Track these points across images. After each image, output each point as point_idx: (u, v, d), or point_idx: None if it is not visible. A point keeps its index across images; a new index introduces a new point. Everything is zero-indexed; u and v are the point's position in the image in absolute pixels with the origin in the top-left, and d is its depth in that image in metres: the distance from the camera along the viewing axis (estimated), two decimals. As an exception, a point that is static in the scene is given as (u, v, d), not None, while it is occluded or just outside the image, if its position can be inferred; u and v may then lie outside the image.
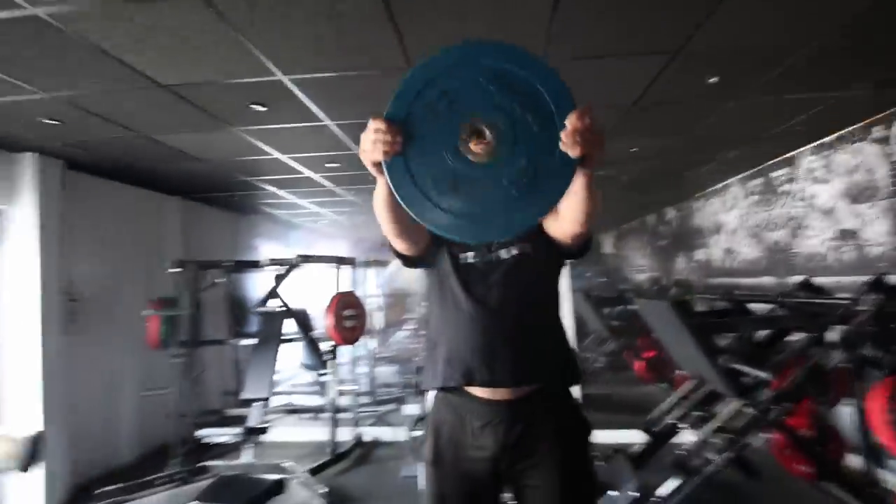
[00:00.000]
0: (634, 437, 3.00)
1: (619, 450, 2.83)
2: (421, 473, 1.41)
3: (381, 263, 5.31)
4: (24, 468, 2.10)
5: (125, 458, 3.87)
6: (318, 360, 3.76)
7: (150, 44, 1.91)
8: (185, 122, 2.75)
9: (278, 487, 2.41)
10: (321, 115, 2.65)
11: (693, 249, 5.95)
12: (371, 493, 3.22)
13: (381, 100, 1.02)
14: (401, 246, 1.29)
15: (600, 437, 3.93)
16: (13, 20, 1.71)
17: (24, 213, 3.16)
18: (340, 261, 4.06)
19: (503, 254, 1.35)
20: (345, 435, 4.05)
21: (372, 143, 0.98)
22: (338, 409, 3.80)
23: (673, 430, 2.83)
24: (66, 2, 1.62)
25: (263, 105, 2.50)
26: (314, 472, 3.33)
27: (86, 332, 3.56)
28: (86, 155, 3.28)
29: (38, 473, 2.98)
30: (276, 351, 3.89)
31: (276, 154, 3.40)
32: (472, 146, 0.98)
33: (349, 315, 3.74)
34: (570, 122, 0.94)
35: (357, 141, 3.08)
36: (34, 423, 3.01)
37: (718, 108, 2.86)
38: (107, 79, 2.18)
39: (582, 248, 1.31)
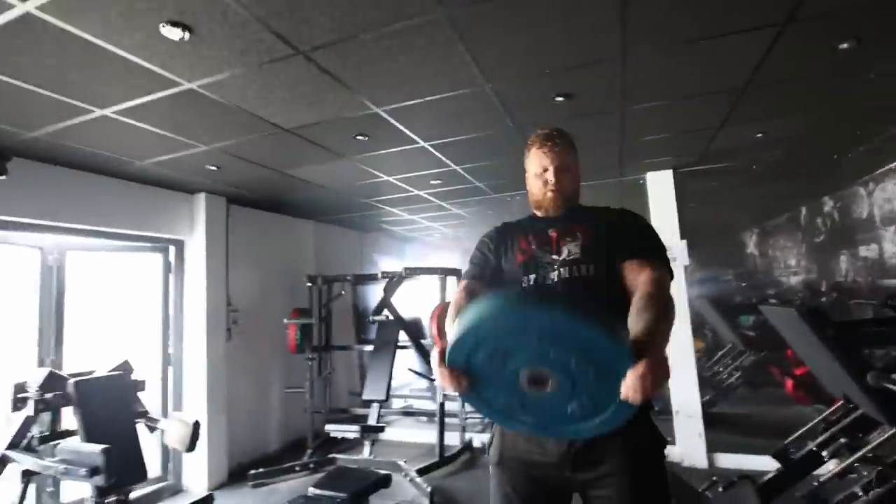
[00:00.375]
0: (767, 464, 2.66)
1: (746, 476, 2.53)
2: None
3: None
4: (191, 449, 2.63)
5: (272, 447, 4.50)
6: (427, 366, 3.98)
7: (272, 98, 2.30)
8: (308, 157, 3.19)
9: (385, 482, 2.61)
10: (415, 137, 2.88)
11: (859, 245, 5.03)
12: (472, 497, 3.32)
13: (466, 117, 1.14)
14: None
15: (722, 460, 3.57)
16: (177, 95, 2.19)
17: (197, 241, 3.93)
18: (444, 272, 4.26)
19: (553, 275, 1.36)
20: (454, 439, 4.21)
21: (444, 381, 1.12)
22: (444, 415, 3.97)
23: (813, 459, 2.45)
24: (211, 74, 2.05)
25: (366, 135, 2.80)
26: (422, 471, 3.54)
27: (241, 338, 4.25)
28: (240, 191, 3.96)
29: (201, 457, 3.66)
30: (392, 356, 4.22)
31: (384, 176, 3.73)
32: (533, 390, 1.08)
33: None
34: (630, 380, 0.99)
35: (451, 158, 3.30)
36: (200, 411, 3.70)
37: (861, 76, 2.45)
38: (246, 130, 2.66)
39: None
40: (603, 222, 1.42)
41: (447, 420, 4.07)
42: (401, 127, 2.70)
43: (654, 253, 1.33)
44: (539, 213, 1.50)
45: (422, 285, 5.08)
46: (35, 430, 2.45)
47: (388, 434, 4.23)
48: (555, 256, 1.39)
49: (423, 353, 4.09)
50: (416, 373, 4.49)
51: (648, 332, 1.08)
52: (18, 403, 2.43)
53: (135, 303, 3.82)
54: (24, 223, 2.98)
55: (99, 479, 2.21)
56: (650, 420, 1.33)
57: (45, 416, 2.47)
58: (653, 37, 1.97)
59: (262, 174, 3.50)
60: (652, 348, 1.03)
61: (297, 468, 3.90)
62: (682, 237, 3.91)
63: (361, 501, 2.50)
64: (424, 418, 4.91)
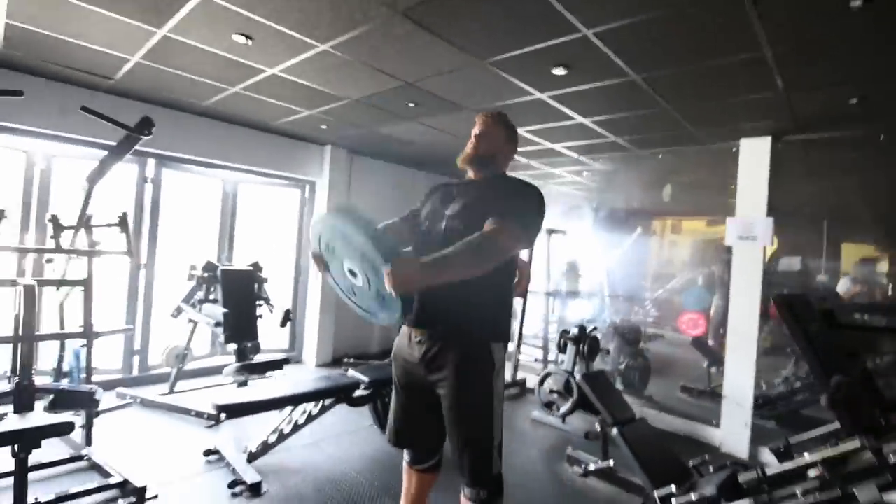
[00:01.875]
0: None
1: (738, 464, 2.44)
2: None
3: (559, 233, 5.44)
4: (282, 325, 3.73)
5: (372, 348, 5.59)
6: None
7: (386, 55, 2.94)
8: (430, 110, 3.68)
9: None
10: (531, 89, 2.99)
11: None
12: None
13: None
14: None
15: (767, 456, 3.24)
16: (313, 56, 2.99)
17: (324, 183, 5.01)
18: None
19: (442, 225, 1.69)
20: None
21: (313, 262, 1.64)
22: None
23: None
24: (338, 35, 2.76)
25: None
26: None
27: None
28: (363, 145, 4.83)
29: (313, 342, 4.88)
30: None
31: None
32: (352, 280, 1.49)
33: (510, 274, 4.24)
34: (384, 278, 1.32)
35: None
36: (314, 309, 4.90)
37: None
38: (373, 83, 3.38)
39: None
40: (492, 188, 1.68)
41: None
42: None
43: (507, 214, 1.54)
44: (468, 176, 1.84)
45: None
46: (199, 295, 3.79)
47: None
48: (446, 212, 1.72)
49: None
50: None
51: (430, 257, 1.37)
52: (190, 277, 3.80)
53: (283, 224, 5.14)
54: (211, 163, 4.35)
55: (219, 330, 3.41)
56: (487, 344, 1.62)
57: (203, 287, 3.78)
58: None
59: (364, 129, 4.27)
60: (411, 261, 1.31)
61: (375, 362, 4.87)
62: (770, 214, 3.43)
63: (379, 388, 3.22)
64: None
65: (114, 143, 2.88)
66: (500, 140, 1.75)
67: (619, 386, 4.58)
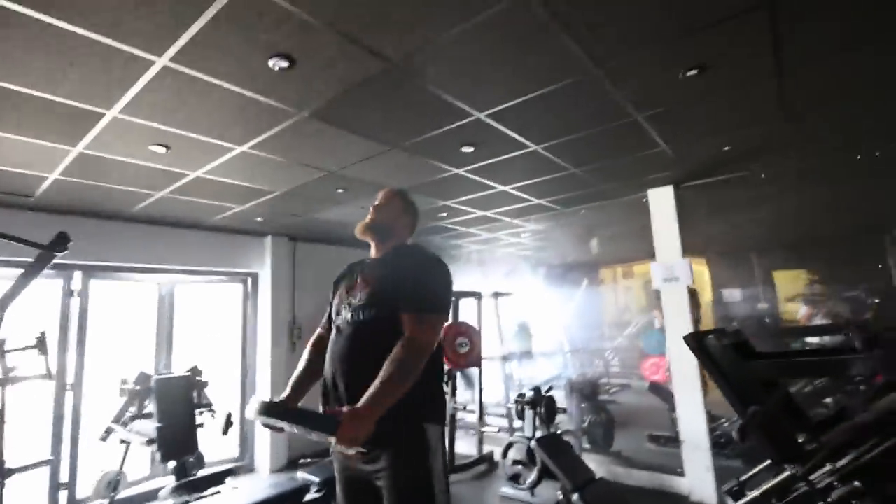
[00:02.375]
0: None
1: None
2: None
3: (505, 295, 5.55)
4: (224, 433, 3.50)
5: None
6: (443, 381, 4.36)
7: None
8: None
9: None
10: (524, 140, 2.70)
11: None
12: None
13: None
14: None
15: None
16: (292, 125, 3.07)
17: (266, 274, 4.97)
18: (459, 295, 4.60)
19: (348, 318, 1.69)
20: (472, 449, 4.46)
21: None
22: (455, 424, 4.28)
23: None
24: (317, 100, 2.85)
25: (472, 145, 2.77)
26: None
27: (302, 348, 5.15)
28: (300, 232, 4.90)
29: (266, 446, 4.57)
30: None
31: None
32: None
33: (461, 343, 4.23)
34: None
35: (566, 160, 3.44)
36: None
37: None
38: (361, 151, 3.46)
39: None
40: (396, 266, 1.70)
41: (458, 429, 4.35)
42: (507, 132, 2.61)
43: (420, 306, 1.57)
44: (371, 252, 1.87)
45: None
46: (132, 410, 3.53)
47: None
48: (352, 300, 1.71)
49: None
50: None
51: (366, 399, 1.43)
52: (122, 392, 3.55)
53: (225, 322, 4.98)
54: (144, 267, 4.25)
55: (154, 447, 3.14)
56: (421, 427, 1.57)
57: (136, 401, 3.53)
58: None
59: (299, 216, 4.35)
60: (351, 421, 1.39)
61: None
62: (689, 254, 3.67)
63: (334, 487, 3.01)
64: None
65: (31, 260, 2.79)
66: (397, 210, 1.83)
67: (585, 444, 4.49)
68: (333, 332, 1.74)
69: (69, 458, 3.72)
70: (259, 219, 4.25)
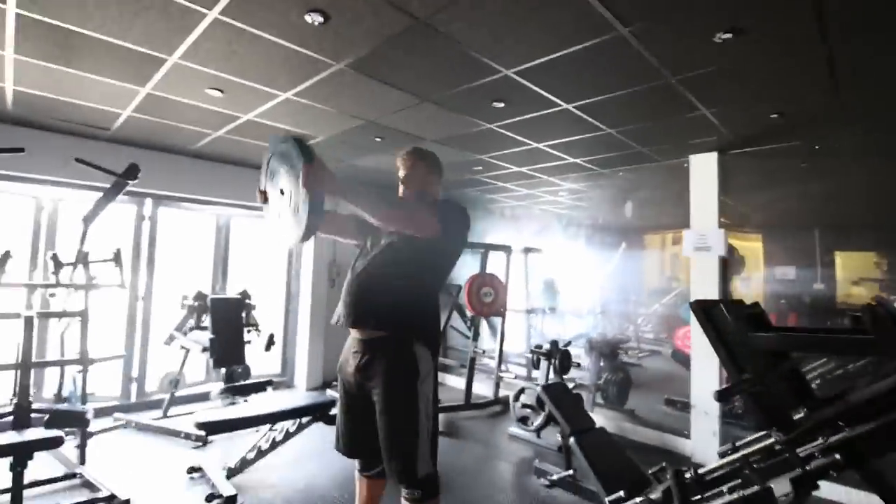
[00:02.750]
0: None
1: (680, 471, 2.58)
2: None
3: (536, 251, 5.63)
4: (266, 349, 3.98)
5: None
6: (465, 325, 4.64)
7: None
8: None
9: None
10: (556, 99, 2.77)
11: None
12: (478, 436, 3.94)
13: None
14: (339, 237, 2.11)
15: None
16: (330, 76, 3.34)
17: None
18: (487, 247, 4.76)
19: (382, 241, 1.96)
20: (488, 390, 4.79)
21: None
22: (473, 366, 4.59)
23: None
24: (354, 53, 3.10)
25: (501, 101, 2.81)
26: (444, 409, 4.27)
27: (340, 287, 5.58)
28: (342, 176, 5.17)
29: (303, 366, 5.11)
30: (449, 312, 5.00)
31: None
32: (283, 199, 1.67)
33: (486, 292, 4.45)
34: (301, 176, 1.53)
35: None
36: (304, 334, 5.15)
37: None
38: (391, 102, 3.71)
39: (419, 235, 1.76)
40: None
41: (480, 373, 4.66)
42: (536, 89, 2.65)
43: (432, 207, 1.82)
44: None
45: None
46: (191, 323, 4.07)
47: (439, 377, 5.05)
48: (379, 241, 1.95)
49: (462, 314, 4.74)
50: (455, 329, 5.14)
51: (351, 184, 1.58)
52: (182, 306, 4.09)
53: (274, 255, 5.45)
54: (204, 200, 4.70)
55: (207, 354, 3.66)
56: (411, 348, 1.79)
57: (194, 315, 4.06)
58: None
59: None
60: (327, 168, 1.49)
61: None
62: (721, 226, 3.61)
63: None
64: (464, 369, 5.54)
65: (108, 186, 3.22)
66: (423, 173, 2.00)
67: (598, 400, 4.69)
68: (361, 252, 1.96)
69: (139, 358, 4.39)
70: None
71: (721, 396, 1.90)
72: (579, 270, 6.46)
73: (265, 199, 1.75)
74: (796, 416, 2.12)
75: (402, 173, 2.00)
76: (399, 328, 1.81)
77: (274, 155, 1.66)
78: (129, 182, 3.06)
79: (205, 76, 2.63)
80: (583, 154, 3.95)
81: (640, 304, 8.46)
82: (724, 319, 2.25)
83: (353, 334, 1.91)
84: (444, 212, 1.82)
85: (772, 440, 2.05)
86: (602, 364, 4.95)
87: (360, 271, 1.89)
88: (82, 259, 3.28)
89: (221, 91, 2.84)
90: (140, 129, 3.67)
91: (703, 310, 2.26)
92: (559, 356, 4.05)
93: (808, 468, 1.91)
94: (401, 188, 1.99)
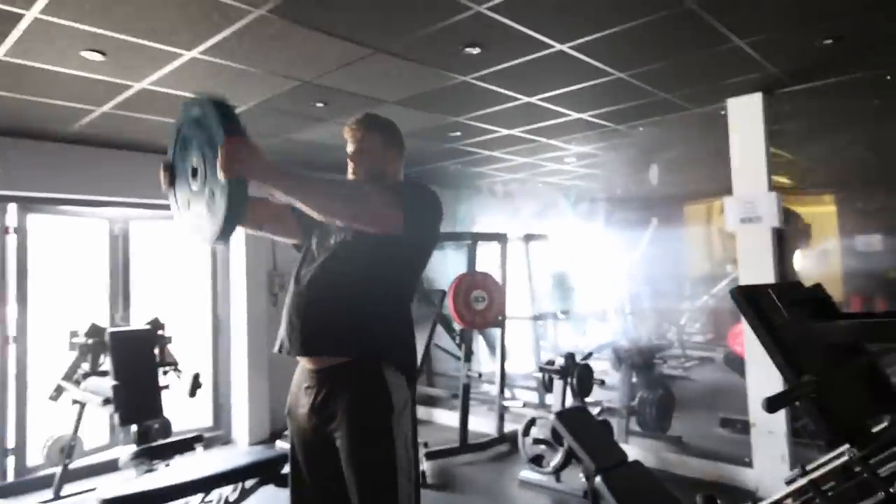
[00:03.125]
0: None
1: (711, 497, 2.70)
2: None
3: (540, 238, 5.75)
4: (190, 395, 4.01)
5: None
6: (453, 341, 4.72)
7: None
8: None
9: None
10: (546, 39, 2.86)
11: None
12: (481, 488, 4.03)
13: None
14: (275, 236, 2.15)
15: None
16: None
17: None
18: (475, 237, 4.85)
19: (332, 240, 2.01)
20: (489, 426, 4.89)
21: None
22: (468, 395, 4.69)
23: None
24: None
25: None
26: (430, 455, 4.35)
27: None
28: (279, 157, 5.18)
29: (244, 413, 5.15)
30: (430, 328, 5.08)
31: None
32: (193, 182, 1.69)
33: (477, 297, 4.54)
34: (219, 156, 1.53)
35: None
36: (241, 371, 5.20)
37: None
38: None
39: (377, 230, 1.80)
40: None
41: (477, 403, 4.76)
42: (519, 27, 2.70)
43: (391, 191, 1.86)
44: None
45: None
46: (84, 367, 4.06)
47: (418, 413, 5.09)
48: (327, 243, 1.97)
49: (449, 328, 4.82)
50: (441, 348, 5.23)
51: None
52: (72, 346, 4.08)
53: (191, 268, 5.44)
54: (91, 200, 4.67)
55: (110, 408, 3.67)
56: (381, 375, 1.82)
57: (89, 357, 4.05)
58: None
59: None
60: (255, 146, 1.49)
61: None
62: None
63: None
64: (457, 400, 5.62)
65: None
66: (378, 148, 2.02)
67: (633, 426, 4.82)
68: (306, 249, 2.00)
69: (14, 421, 4.34)
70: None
71: (772, 405, 1.99)
72: (598, 259, 6.59)
73: (170, 181, 1.77)
74: (876, 428, 2.26)
75: (350, 148, 2.02)
76: (362, 350, 1.85)
77: (186, 123, 1.67)
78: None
79: (78, 34, 2.62)
80: (589, 107, 4.04)
81: (683, 297, 8.65)
82: (774, 308, 2.37)
83: (304, 364, 1.95)
84: (407, 198, 1.87)
85: (845, 458, 2.17)
86: (635, 380, 5.08)
87: (306, 281, 1.93)
88: (-72, 292, 3.25)
89: (102, 53, 2.83)
90: (-7, 111, 3.63)
91: (748, 297, 2.36)
92: (577, 373, 4.16)
93: (892, 490, 2.03)
94: (350, 167, 2.03)
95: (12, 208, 4.44)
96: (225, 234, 1.55)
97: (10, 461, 4.34)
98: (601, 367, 5.30)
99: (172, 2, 2.36)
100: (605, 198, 6.77)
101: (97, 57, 2.87)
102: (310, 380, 1.91)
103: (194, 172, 1.63)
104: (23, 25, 2.52)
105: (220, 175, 1.47)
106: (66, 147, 4.45)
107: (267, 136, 4.46)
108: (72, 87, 3.27)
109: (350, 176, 2.04)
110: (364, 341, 1.84)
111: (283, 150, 4.88)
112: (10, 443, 4.34)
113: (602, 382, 4.33)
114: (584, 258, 6.49)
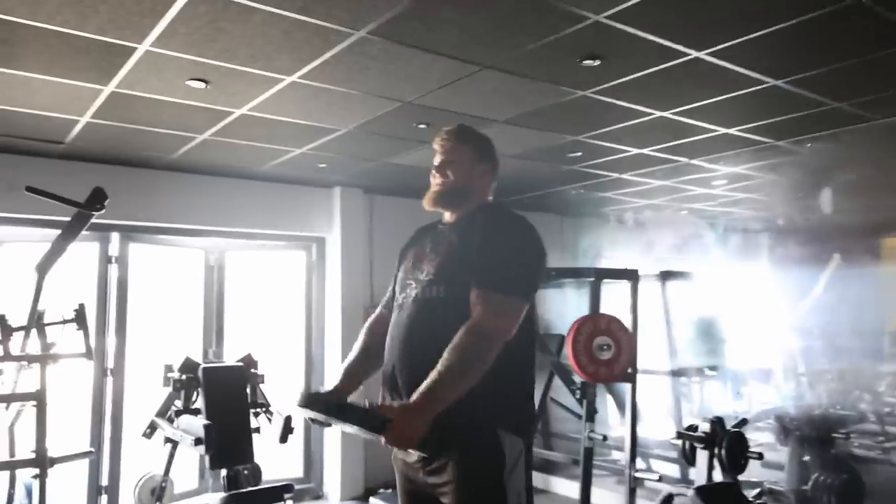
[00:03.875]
0: None
1: None
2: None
3: (681, 276, 5.60)
4: (281, 441, 4.34)
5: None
6: (573, 396, 4.75)
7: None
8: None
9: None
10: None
11: None
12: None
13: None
14: None
15: None
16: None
17: (335, 238, 5.79)
18: (602, 274, 4.87)
19: (413, 294, 2.11)
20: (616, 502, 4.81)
21: None
22: (590, 463, 4.66)
23: None
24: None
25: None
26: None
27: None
28: (377, 183, 5.58)
29: (336, 466, 5.46)
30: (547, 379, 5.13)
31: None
32: None
33: (602, 345, 4.54)
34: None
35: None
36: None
37: None
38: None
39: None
40: (467, 236, 2.08)
41: (603, 473, 4.71)
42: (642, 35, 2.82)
43: (488, 282, 1.94)
44: (444, 217, 2.30)
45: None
46: (178, 404, 4.55)
47: (533, 479, 5.10)
48: (419, 274, 2.16)
49: (568, 381, 4.84)
50: (559, 404, 5.20)
51: (420, 392, 1.83)
52: (166, 381, 4.59)
53: (285, 299, 5.93)
54: (188, 229, 5.29)
55: (201, 449, 4.09)
56: (495, 435, 1.95)
57: (182, 393, 4.54)
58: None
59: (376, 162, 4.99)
60: (401, 419, 1.75)
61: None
62: None
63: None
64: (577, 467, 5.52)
65: (67, 219, 3.79)
66: (469, 161, 2.16)
67: (804, 515, 4.53)
68: (395, 311, 2.17)
69: (109, 457, 4.94)
70: (322, 165, 4.98)
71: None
72: (756, 305, 6.30)
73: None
74: None
75: (437, 160, 2.16)
76: (475, 407, 1.90)
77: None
78: (95, 213, 3.58)
79: (184, 64, 3.08)
80: (737, 121, 4.02)
81: (879, 356, 7.97)
82: None
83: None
84: (518, 285, 1.97)
85: None
86: (807, 458, 4.80)
87: (410, 320, 2.07)
88: (36, 321, 3.84)
89: (206, 82, 3.29)
90: (101, 140, 4.30)
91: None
92: (726, 443, 4.02)
93: None
94: (434, 180, 2.16)
95: (115, 237, 5.14)
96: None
97: (104, 500, 4.92)
98: (761, 438, 5.05)
99: (275, 29, 2.72)
100: (764, 228, 6.47)
101: (201, 85, 3.34)
102: None
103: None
104: (135, 58, 3.02)
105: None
106: (166, 175, 5.12)
107: (366, 160, 4.85)
108: (175, 115, 3.81)
109: (434, 188, 2.15)
110: (476, 400, 1.88)
111: (383, 174, 5.25)
112: (105, 479, 4.93)
113: (760, 456, 4.15)
114: (737, 302, 6.23)
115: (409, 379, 1.98)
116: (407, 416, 1.77)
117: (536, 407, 5.20)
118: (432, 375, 1.82)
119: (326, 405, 2.04)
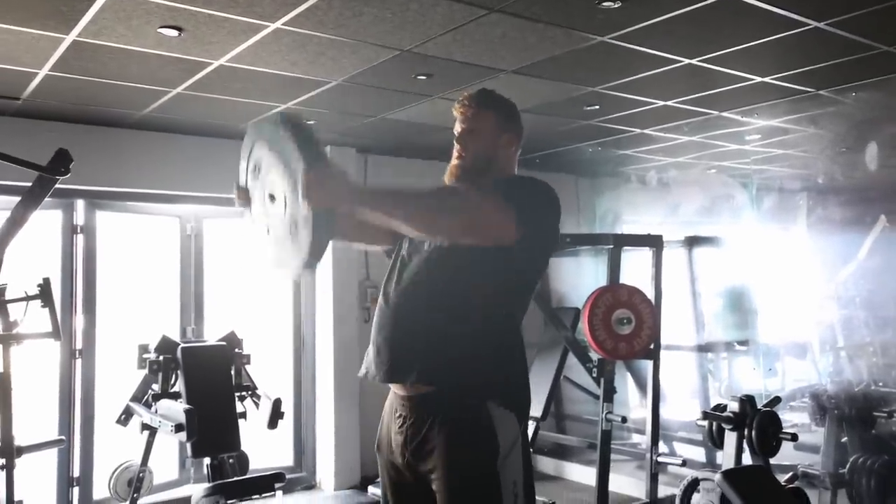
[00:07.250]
0: None
1: None
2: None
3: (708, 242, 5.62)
4: (270, 426, 4.39)
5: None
6: (590, 374, 4.81)
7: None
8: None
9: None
10: None
11: None
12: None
13: None
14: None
15: None
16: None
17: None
18: (621, 240, 4.89)
19: (426, 245, 2.18)
20: (637, 489, 4.89)
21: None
22: (608, 446, 4.73)
23: None
24: None
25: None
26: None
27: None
28: (372, 141, 5.55)
29: (329, 453, 5.55)
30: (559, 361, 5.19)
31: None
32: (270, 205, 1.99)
33: (621, 318, 4.59)
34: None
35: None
36: (328, 400, 5.60)
37: None
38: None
39: (487, 243, 1.97)
40: None
41: (622, 458, 4.78)
42: None
43: (497, 189, 2.00)
44: None
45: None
46: (155, 388, 4.61)
47: (545, 465, 5.18)
48: (422, 246, 2.15)
49: (584, 358, 4.89)
50: (573, 383, 5.25)
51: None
52: (142, 363, 4.64)
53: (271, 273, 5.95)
54: (162, 194, 5.28)
55: (182, 436, 4.15)
56: (485, 411, 1.97)
57: (160, 376, 4.59)
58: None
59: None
60: (341, 172, 1.79)
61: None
62: None
63: None
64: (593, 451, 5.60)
65: (28, 185, 3.79)
66: (491, 129, 2.17)
67: (842, 501, 4.61)
68: (394, 259, 2.21)
69: (80, 446, 5.00)
70: (310, 121, 4.96)
71: None
72: (792, 273, 6.32)
73: (245, 201, 2.07)
74: None
75: (458, 128, 2.18)
76: (462, 380, 1.99)
77: (259, 141, 1.97)
78: (59, 178, 3.58)
79: (155, 9, 3.05)
80: (773, 68, 4.00)
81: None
82: None
83: (394, 390, 2.14)
84: (517, 197, 1.97)
85: None
86: (845, 439, 4.86)
87: (395, 294, 2.12)
88: (-3, 298, 3.87)
89: (179, 29, 3.26)
90: (63, 94, 4.28)
91: None
92: (757, 423, 4.08)
93: None
94: (455, 151, 2.18)
95: (80, 205, 5.14)
96: (311, 264, 1.79)
97: (76, 493, 5.00)
98: (795, 418, 5.10)
99: (255, -32, 2.71)
100: (802, 188, 6.45)
101: (174, 33, 3.31)
102: (401, 406, 2.08)
103: (272, 197, 1.90)
104: (99, 2, 2.99)
105: (304, 206, 1.68)
106: (136, 134, 5.11)
107: (360, 116, 4.83)
108: (146, 66, 3.79)
109: (454, 161, 2.18)
110: (462, 368, 1.97)
111: (379, 131, 5.23)
112: (77, 470, 5.01)
113: (794, 437, 4.21)
114: (771, 271, 6.24)
115: (393, 342, 2.04)
116: (343, 176, 1.79)
117: (548, 387, 5.27)
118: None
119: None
